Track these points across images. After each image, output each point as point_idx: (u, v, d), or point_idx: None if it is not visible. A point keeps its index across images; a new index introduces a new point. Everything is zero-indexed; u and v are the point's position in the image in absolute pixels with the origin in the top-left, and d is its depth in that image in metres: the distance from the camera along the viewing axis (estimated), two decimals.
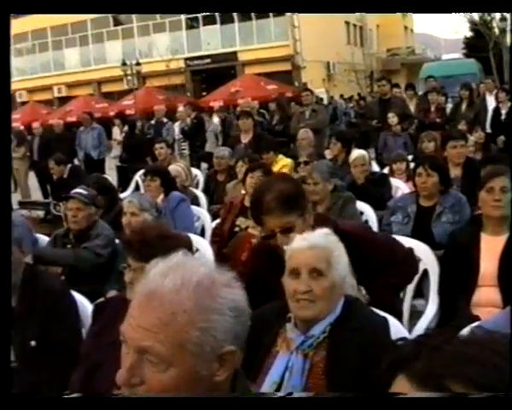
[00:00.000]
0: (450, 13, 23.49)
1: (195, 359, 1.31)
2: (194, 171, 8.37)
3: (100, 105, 30.30)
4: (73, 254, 4.46)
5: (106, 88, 35.82)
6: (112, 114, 26.04)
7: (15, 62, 38.04)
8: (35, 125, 15.00)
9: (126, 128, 13.60)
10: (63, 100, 34.47)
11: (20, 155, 13.97)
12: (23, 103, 35.63)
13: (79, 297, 3.36)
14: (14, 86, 36.74)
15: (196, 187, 7.56)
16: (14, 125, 29.17)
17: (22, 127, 24.28)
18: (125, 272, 2.65)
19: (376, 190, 5.96)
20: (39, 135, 14.10)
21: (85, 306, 3.35)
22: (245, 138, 9.06)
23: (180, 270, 1.34)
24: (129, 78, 30.13)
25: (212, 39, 33.64)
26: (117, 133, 16.44)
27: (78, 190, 4.85)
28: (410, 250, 3.32)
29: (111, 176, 9.48)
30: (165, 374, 1.31)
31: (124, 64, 29.48)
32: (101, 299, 3.46)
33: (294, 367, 2.32)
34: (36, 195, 13.37)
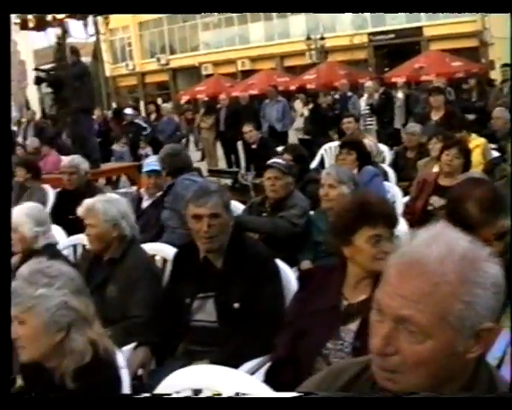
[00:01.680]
0: (450, 13, 22.41)
1: (455, 333, 1.26)
2: (381, 147, 8.23)
3: (281, 79, 30.60)
4: (271, 223, 4.54)
5: (288, 62, 36.17)
6: (293, 88, 26.32)
7: (202, 36, 39.60)
8: (222, 96, 15.48)
9: (310, 101, 13.71)
10: (246, 73, 35.29)
11: (207, 126, 14.56)
12: (208, 76, 36.98)
13: (282, 264, 3.40)
14: (200, 59, 38.33)
15: (383, 163, 7.43)
16: (199, 96, 30.48)
17: (206, 99, 25.26)
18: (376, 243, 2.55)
19: None
20: (226, 106, 14.55)
21: (287, 273, 3.38)
22: (435, 115, 8.73)
23: (443, 240, 1.29)
24: (312, 52, 30.25)
25: (397, 14, 32.76)
26: (299, 107, 16.61)
27: (275, 159, 4.94)
28: None
29: None
30: (422, 345, 1.27)
31: (308, 39, 29.63)
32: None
33: None
34: (221, 164, 13.89)
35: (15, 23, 10.66)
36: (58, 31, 10.52)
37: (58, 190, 6.78)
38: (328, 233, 3.25)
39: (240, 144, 13.20)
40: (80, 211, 3.74)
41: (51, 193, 7.15)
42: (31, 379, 2.30)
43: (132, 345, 3.22)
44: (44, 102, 48.61)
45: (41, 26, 10.67)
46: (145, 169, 5.66)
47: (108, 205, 3.68)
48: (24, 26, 10.81)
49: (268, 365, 2.76)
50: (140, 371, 3.11)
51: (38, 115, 28.34)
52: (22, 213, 4.01)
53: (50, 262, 2.29)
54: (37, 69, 11.19)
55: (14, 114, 47.24)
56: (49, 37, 11.56)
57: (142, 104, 31.17)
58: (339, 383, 1.52)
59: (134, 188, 8.05)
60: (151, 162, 5.63)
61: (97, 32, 25.53)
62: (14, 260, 4.15)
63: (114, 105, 30.10)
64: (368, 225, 2.51)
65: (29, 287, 2.13)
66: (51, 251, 4.07)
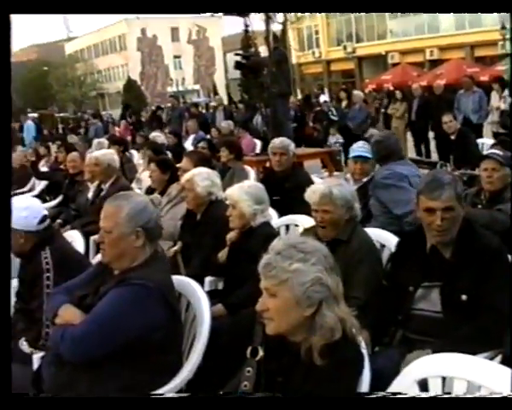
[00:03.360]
0: (450, 13, 21.76)
1: None
2: None
3: (471, 69, 29.33)
4: (489, 215, 4.35)
5: (479, 52, 34.66)
6: (483, 79, 25.09)
7: (390, 25, 38.95)
8: (414, 86, 15.12)
9: (506, 94, 12.99)
10: (434, 63, 34.28)
11: (399, 114, 14.32)
12: (394, 65, 36.36)
13: None
14: (386, 48, 37.76)
15: None
16: (385, 85, 30.02)
17: (392, 88, 24.80)
18: None
19: None
20: (418, 96, 14.19)
21: None
22: None
23: None
24: (505, 42, 28.69)
25: None
26: (496, 99, 15.78)
27: (494, 150, 4.74)
28: None
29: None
30: None
31: (503, 28, 28.11)
32: None
33: None
34: (410, 154, 13.60)
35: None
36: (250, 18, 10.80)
37: (263, 170, 6.97)
38: None
39: (431, 134, 12.83)
40: (314, 198, 3.74)
41: (252, 173, 7.38)
42: (273, 351, 2.36)
43: None
44: (230, 87, 50.54)
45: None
46: (352, 154, 5.65)
47: (343, 189, 3.72)
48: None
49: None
50: None
51: (225, 100, 29.48)
52: (242, 191, 4.17)
53: (303, 238, 2.33)
54: (237, 54, 11.57)
55: (202, 98, 49.63)
56: (238, 24, 11.94)
57: (326, 91, 31.34)
58: None
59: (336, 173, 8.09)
60: (358, 148, 5.61)
61: (286, 20, 26.06)
62: (231, 235, 4.34)
63: (299, 92, 30.52)
64: None
65: (283, 261, 2.18)
66: (267, 229, 4.20)
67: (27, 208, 3.60)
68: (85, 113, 29.34)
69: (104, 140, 10.78)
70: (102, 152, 7.01)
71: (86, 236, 5.25)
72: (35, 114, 27.63)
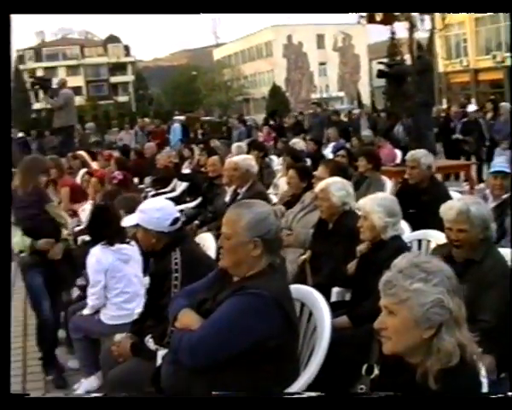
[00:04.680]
0: (450, 13, 20.46)
1: None
2: None
3: None
4: None
5: None
6: None
7: None
8: None
9: None
10: None
11: None
12: None
13: None
14: None
15: None
16: None
17: None
18: None
19: None
20: None
21: None
22: None
23: None
24: None
25: None
26: None
27: None
28: None
29: None
30: None
31: None
32: None
33: None
34: None
35: (362, 16, 11.02)
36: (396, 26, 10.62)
37: (399, 182, 6.84)
38: None
39: None
40: (450, 215, 3.62)
41: (389, 184, 7.24)
42: (388, 371, 2.30)
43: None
44: (375, 95, 49.98)
45: (389, 20, 10.86)
46: (492, 169, 5.43)
47: (481, 208, 3.58)
48: (371, 19, 11.11)
49: None
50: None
51: (369, 108, 29.19)
52: (375, 203, 4.10)
53: (428, 257, 2.26)
54: (380, 63, 11.43)
55: (346, 105, 49.46)
56: (384, 31, 11.82)
57: (473, 102, 30.18)
58: None
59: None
60: (499, 163, 5.38)
61: (433, 28, 25.39)
62: (362, 247, 4.28)
63: (445, 101, 29.62)
64: None
65: (405, 279, 2.12)
66: (398, 243, 4.10)
67: (160, 210, 3.75)
68: (230, 117, 30.10)
69: (243, 144, 10.99)
70: (242, 157, 7.15)
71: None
72: (182, 117, 28.71)
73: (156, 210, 3.74)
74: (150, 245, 3.77)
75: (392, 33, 10.18)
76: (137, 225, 3.82)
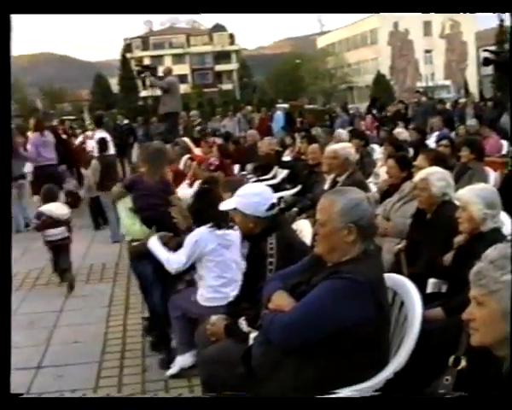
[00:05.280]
0: (450, 13, 16.07)
1: None
2: None
3: None
4: None
5: None
6: None
7: None
8: None
9: None
10: None
11: None
12: None
13: None
14: None
15: None
16: None
17: None
18: None
19: None
20: None
21: None
22: None
23: None
24: None
25: None
26: None
27: None
28: None
29: None
30: None
31: None
32: None
33: None
34: None
35: None
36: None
37: (504, 173, 6.64)
38: None
39: None
40: None
41: (492, 176, 7.05)
42: (475, 363, 2.29)
43: None
44: (483, 83, 48.20)
45: None
46: None
47: None
48: None
49: None
50: None
51: (476, 97, 28.20)
52: (474, 194, 4.03)
53: None
54: (486, 50, 11.06)
55: (452, 94, 47.80)
56: (493, 18, 11.43)
57: None
58: None
59: None
60: None
61: None
62: (459, 238, 4.21)
63: None
64: None
65: (495, 271, 2.10)
66: (497, 236, 4.01)
67: (258, 195, 3.83)
68: (334, 106, 29.90)
69: (344, 132, 10.96)
70: (341, 145, 7.14)
71: None
72: (285, 105, 28.78)
73: (254, 195, 3.82)
74: (248, 229, 3.86)
75: (501, 20, 9.80)
76: (235, 209, 3.91)
